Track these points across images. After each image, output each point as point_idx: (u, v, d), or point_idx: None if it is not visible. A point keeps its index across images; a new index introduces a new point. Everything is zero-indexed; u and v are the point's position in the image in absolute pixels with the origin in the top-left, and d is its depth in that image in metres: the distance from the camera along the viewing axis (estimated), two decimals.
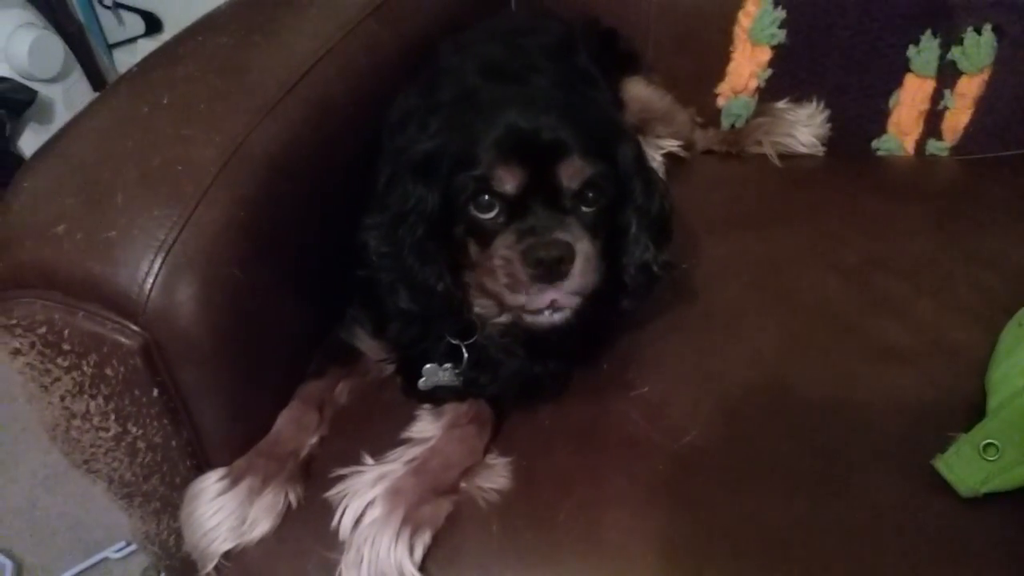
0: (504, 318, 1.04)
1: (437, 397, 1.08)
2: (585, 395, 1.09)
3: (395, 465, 0.98)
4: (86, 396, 0.94)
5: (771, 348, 1.13)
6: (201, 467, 1.01)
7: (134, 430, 0.97)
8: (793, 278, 1.24)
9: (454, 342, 1.07)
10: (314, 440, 1.05)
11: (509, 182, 0.93)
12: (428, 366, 1.08)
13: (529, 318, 0.96)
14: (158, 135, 0.99)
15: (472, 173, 0.94)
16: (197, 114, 1.02)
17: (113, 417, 0.96)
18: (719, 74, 1.62)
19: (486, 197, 0.94)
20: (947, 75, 1.49)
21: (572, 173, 0.94)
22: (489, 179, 0.94)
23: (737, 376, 1.09)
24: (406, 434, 1.03)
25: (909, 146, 1.56)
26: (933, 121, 1.53)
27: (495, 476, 0.99)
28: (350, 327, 1.15)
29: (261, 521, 0.96)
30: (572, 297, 0.93)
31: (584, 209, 0.96)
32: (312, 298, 1.12)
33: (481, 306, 1.04)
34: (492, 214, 0.95)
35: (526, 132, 0.95)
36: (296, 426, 1.05)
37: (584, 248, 0.92)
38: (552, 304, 0.94)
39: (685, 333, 1.16)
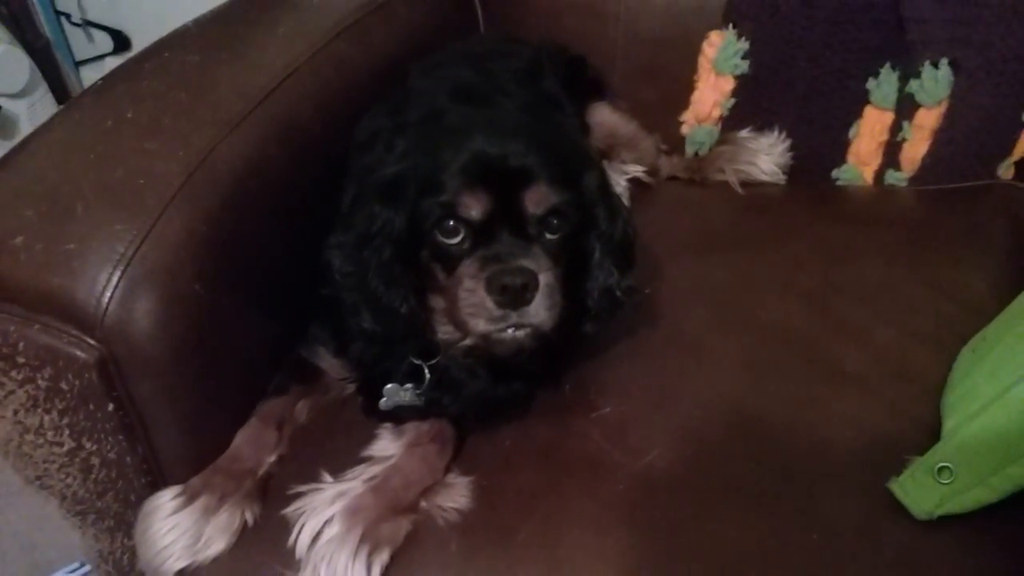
0: (468, 341, 1.03)
1: (398, 416, 1.07)
2: (547, 416, 1.09)
3: (354, 483, 0.97)
4: (40, 410, 0.93)
5: (732, 371, 1.14)
6: (156, 484, 0.99)
7: (88, 445, 0.95)
8: (754, 303, 1.25)
9: (416, 362, 1.07)
10: (272, 458, 1.04)
11: (475, 208, 0.94)
12: (389, 386, 1.08)
13: (494, 336, 0.95)
14: (121, 148, 0.98)
15: (438, 199, 0.94)
16: (161, 128, 1.01)
17: (67, 432, 0.94)
18: (684, 103, 1.65)
19: (451, 223, 0.94)
20: (906, 107, 1.52)
21: (537, 200, 0.94)
22: (455, 205, 0.94)
23: (698, 398, 1.10)
24: (366, 452, 1.03)
25: (868, 176, 1.58)
26: (892, 152, 1.56)
27: (455, 495, 0.98)
28: (312, 345, 1.14)
29: (216, 539, 0.95)
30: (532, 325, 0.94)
31: (548, 236, 0.96)
32: (274, 315, 1.11)
33: (444, 331, 1.04)
34: (457, 240, 0.95)
35: (492, 158, 0.95)
36: (254, 444, 1.03)
37: (547, 279, 0.93)
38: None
39: (647, 356, 1.17)
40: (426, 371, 1.06)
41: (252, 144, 1.06)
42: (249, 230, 1.04)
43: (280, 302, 1.12)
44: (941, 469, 0.92)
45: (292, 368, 1.13)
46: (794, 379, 1.12)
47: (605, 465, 1.01)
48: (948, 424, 0.99)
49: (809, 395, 1.10)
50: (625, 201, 1.23)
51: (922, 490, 0.93)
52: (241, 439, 1.04)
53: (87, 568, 1.63)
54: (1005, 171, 1.54)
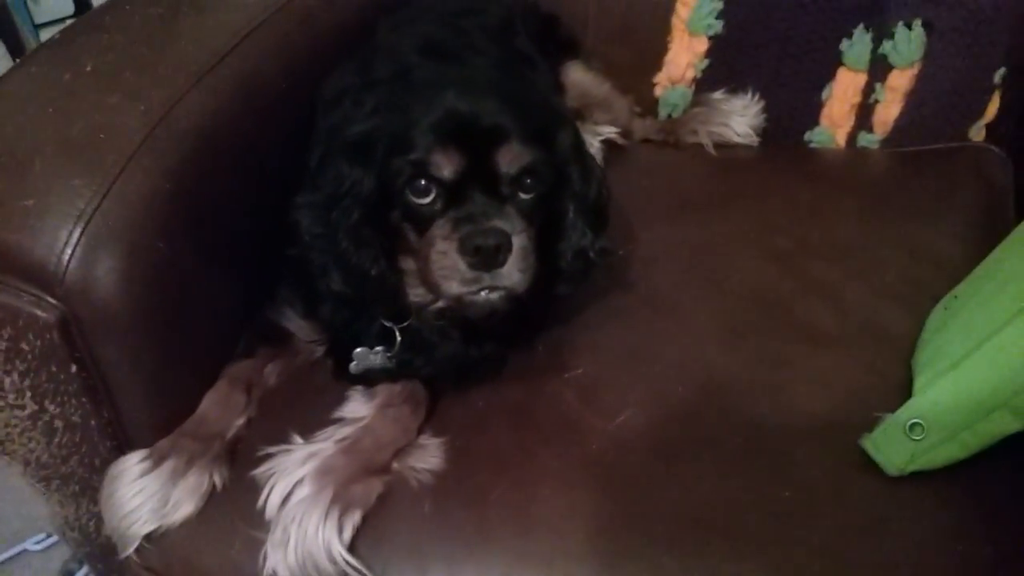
0: (440, 303, 1.02)
1: (369, 378, 1.06)
2: (520, 377, 1.08)
3: (325, 444, 0.96)
4: (0, 372, 0.90)
5: (705, 332, 1.14)
6: (122, 448, 0.97)
7: (51, 408, 0.93)
8: (726, 264, 1.25)
9: (387, 325, 1.05)
10: (241, 421, 1.02)
11: (446, 167, 0.92)
12: (359, 350, 1.06)
13: (467, 298, 0.94)
14: (80, 102, 0.95)
15: (409, 157, 0.92)
16: (122, 82, 0.99)
17: (29, 395, 0.92)
18: (657, 64, 1.63)
19: (422, 182, 0.93)
20: (878, 69, 1.52)
21: (511, 159, 0.93)
22: (426, 164, 0.92)
23: (671, 359, 1.10)
24: (337, 414, 1.02)
25: (841, 138, 1.58)
26: (864, 114, 1.56)
27: (428, 456, 0.98)
28: (280, 307, 1.13)
29: (184, 503, 0.93)
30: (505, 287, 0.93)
31: (522, 196, 0.95)
32: (241, 275, 1.09)
33: (416, 293, 1.03)
34: (428, 199, 0.93)
35: (465, 116, 0.93)
36: (222, 407, 1.02)
37: (521, 240, 0.92)
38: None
39: (620, 317, 1.17)
40: (397, 334, 1.05)
41: (215, 99, 1.03)
42: (213, 187, 1.01)
43: (247, 262, 1.10)
44: (913, 426, 0.93)
45: (260, 330, 1.12)
46: (766, 339, 1.13)
47: (578, 425, 1.01)
48: (920, 381, 0.99)
49: (781, 354, 1.10)
50: (599, 162, 1.21)
51: (894, 446, 0.94)
52: (208, 402, 1.02)
53: (54, 539, 1.62)
54: (976, 133, 1.55)
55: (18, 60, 1.09)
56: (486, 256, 0.90)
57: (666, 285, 1.21)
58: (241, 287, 1.10)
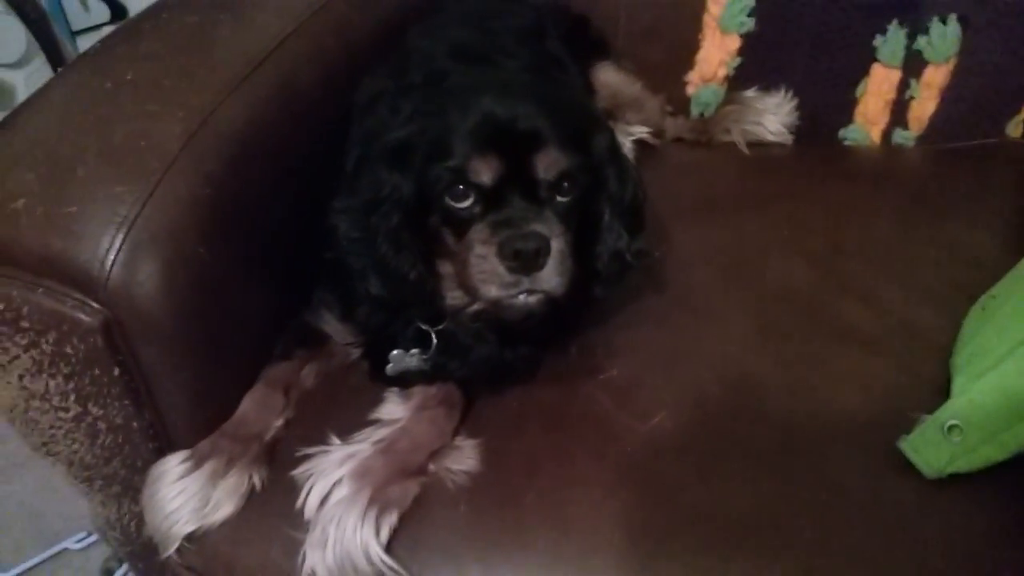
0: (476, 306, 1.03)
1: (405, 381, 1.07)
2: (554, 379, 1.08)
3: (363, 445, 0.97)
4: (45, 375, 0.92)
5: (739, 333, 1.13)
6: (163, 449, 0.99)
7: (95, 410, 0.95)
8: (761, 264, 1.24)
9: (423, 327, 1.06)
10: (279, 422, 1.04)
11: (485, 173, 0.93)
12: (395, 352, 1.07)
13: (506, 301, 0.95)
14: (121, 110, 0.97)
15: (447, 164, 0.93)
16: (161, 90, 1.00)
17: (73, 397, 0.94)
18: (689, 62, 1.62)
19: (461, 187, 0.93)
20: (913, 65, 1.51)
21: (548, 164, 0.94)
22: (465, 170, 0.93)
23: (705, 361, 1.09)
24: (374, 416, 1.02)
25: (876, 136, 1.57)
26: (899, 111, 1.54)
27: (463, 458, 0.98)
28: (317, 310, 1.14)
29: (224, 503, 0.95)
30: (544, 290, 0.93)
31: (559, 199, 0.95)
32: (278, 279, 1.11)
33: (453, 296, 1.03)
34: (467, 204, 0.94)
35: (502, 122, 0.94)
36: (261, 408, 1.03)
37: (559, 244, 0.92)
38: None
39: (654, 319, 1.16)
40: (433, 336, 1.06)
41: (253, 106, 1.05)
42: (252, 192, 1.03)
43: (284, 266, 1.12)
44: (951, 427, 0.92)
45: (297, 333, 1.13)
46: (801, 340, 1.12)
47: (612, 427, 1.01)
48: (958, 382, 0.98)
49: (817, 355, 1.09)
50: (632, 162, 1.21)
51: (932, 448, 0.93)
52: (248, 403, 1.04)
53: (94, 538, 1.65)
54: (1014, 129, 1.53)
55: (59, 69, 1.11)
56: (525, 260, 0.90)
57: (700, 286, 1.21)
58: (279, 290, 1.12)
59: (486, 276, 0.92)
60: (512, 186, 0.93)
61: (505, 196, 0.93)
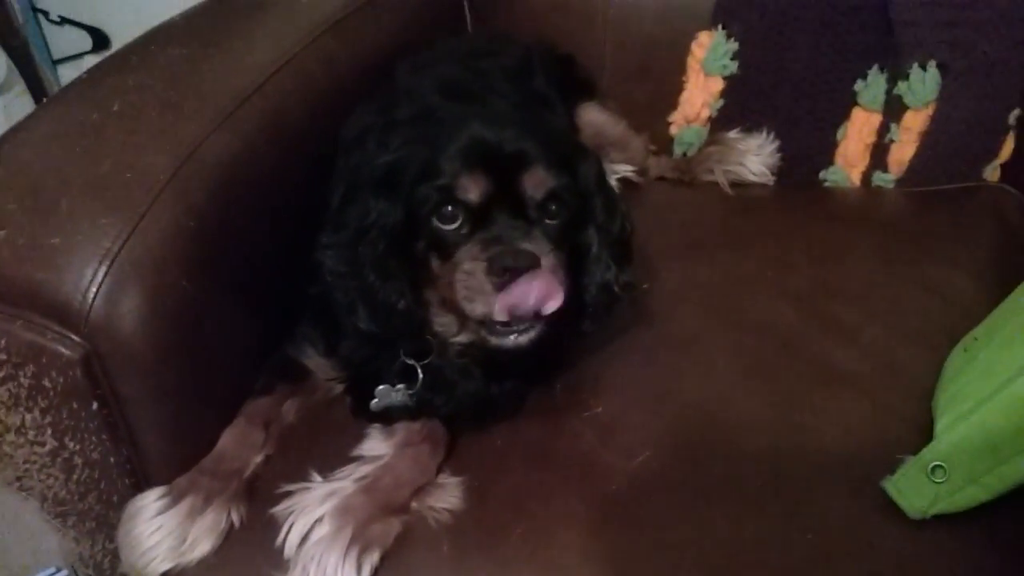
0: (463, 337, 1.03)
1: (389, 416, 1.06)
2: (539, 415, 1.08)
3: (345, 482, 0.96)
4: (22, 409, 0.91)
5: (724, 371, 1.14)
6: (140, 485, 0.98)
7: (71, 445, 0.94)
8: (745, 303, 1.25)
9: (409, 362, 1.06)
10: (259, 458, 1.02)
11: (473, 190, 0.93)
12: (381, 387, 1.06)
13: (494, 340, 0.95)
14: (107, 142, 0.97)
15: (435, 183, 0.94)
16: (148, 122, 1.00)
17: (50, 431, 0.93)
18: (672, 103, 1.65)
19: (449, 208, 0.94)
20: (893, 109, 1.53)
21: (536, 183, 0.95)
22: (453, 188, 0.93)
23: (690, 398, 1.10)
24: (356, 452, 1.02)
25: (856, 177, 1.59)
26: (879, 154, 1.57)
27: (447, 496, 0.97)
28: (299, 344, 1.13)
29: (202, 541, 0.93)
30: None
31: (548, 221, 0.96)
32: (261, 313, 1.10)
33: (441, 324, 1.03)
34: (455, 225, 0.94)
35: (489, 142, 0.95)
36: (241, 444, 1.02)
37: (549, 262, 0.92)
38: (518, 325, 0.94)
39: (639, 355, 1.17)
40: (419, 371, 1.05)
41: (240, 139, 1.05)
42: (237, 226, 1.03)
43: (267, 300, 1.11)
44: (935, 468, 0.92)
45: (279, 367, 1.12)
46: (785, 379, 1.12)
47: (597, 465, 1.01)
48: (941, 423, 0.98)
49: (801, 395, 1.10)
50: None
51: (916, 489, 0.93)
52: (227, 439, 1.02)
53: (64, 573, 1.61)
54: (991, 173, 1.55)
55: (44, 100, 1.11)
56: (516, 276, 0.90)
57: (685, 323, 1.22)
58: (261, 324, 1.11)
59: (475, 294, 0.92)
60: (501, 206, 0.94)
61: (493, 216, 0.94)
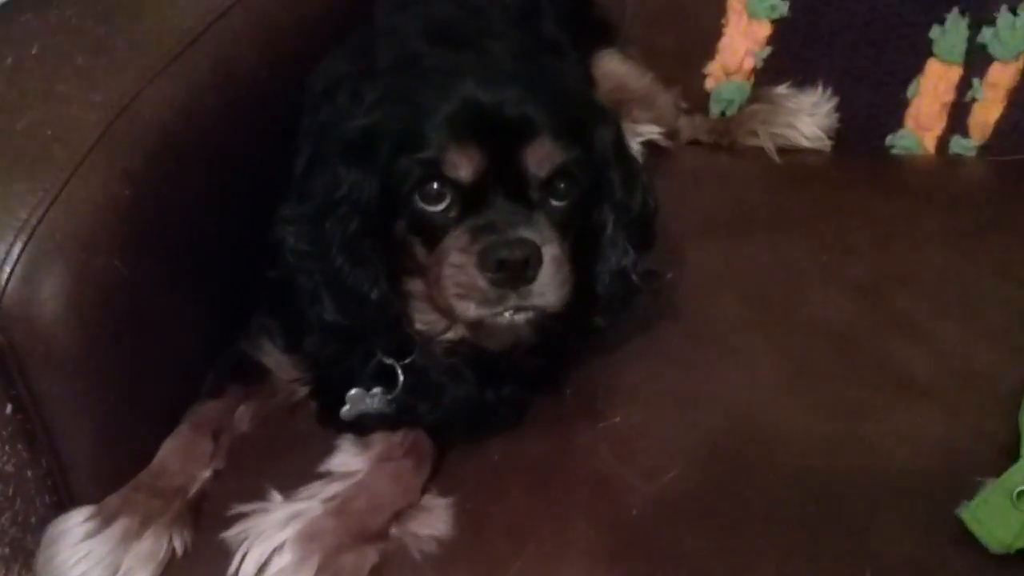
0: (451, 334, 1.04)
1: (363, 425, 1.07)
2: (544, 426, 1.08)
3: (310, 503, 0.96)
4: None
5: (767, 375, 1.14)
6: (64, 504, 0.98)
7: None
8: (794, 294, 1.25)
9: (387, 361, 1.06)
10: (207, 474, 1.03)
11: (464, 167, 0.93)
12: (353, 392, 1.07)
13: (488, 321, 0.95)
14: (24, 92, 0.97)
15: (419, 156, 0.93)
16: (74, 68, 1.00)
17: None
18: (709, 52, 1.65)
19: (435, 186, 0.94)
20: (976, 62, 1.53)
21: (541, 158, 0.94)
22: (439, 163, 0.93)
23: (727, 407, 1.10)
24: (324, 467, 1.02)
25: (929, 144, 1.59)
26: (959, 115, 1.57)
27: (434, 521, 0.98)
28: (256, 338, 1.14)
29: (138, 571, 0.93)
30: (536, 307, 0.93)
31: (553, 203, 0.96)
32: (210, 300, 1.11)
33: (424, 320, 1.03)
34: (442, 206, 0.94)
35: (486, 107, 0.94)
36: (184, 456, 1.02)
37: (553, 251, 0.92)
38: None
39: (666, 356, 1.17)
40: (399, 372, 1.06)
41: (184, 90, 1.05)
42: (180, 195, 1.02)
43: (218, 285, 1.11)
44: (1020, 494, 0.92)
45: (232, 366, 1.13)
46: (841, 385, 1.13)
47: (614, 486, 1.01)
48: None
49: (859, 405, 1.10)
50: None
51: (998, 518, 0.93)
52: (168, 450, 1.03)
53: None
54: None
55: None
56: (512, 271, 0.90)
57: (721, 318, 1.22)
58: (210, 314, 1.11)
59: (464, 291, 0.92)
60: (497, 186, 0.94)
61: (488, 197, 0.93)
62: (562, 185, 0.96)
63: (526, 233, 0.91)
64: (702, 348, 1.18)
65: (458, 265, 0.92)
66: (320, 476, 1.01)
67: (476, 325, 0.96)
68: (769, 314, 1.22)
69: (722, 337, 1.19)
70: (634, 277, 1.05)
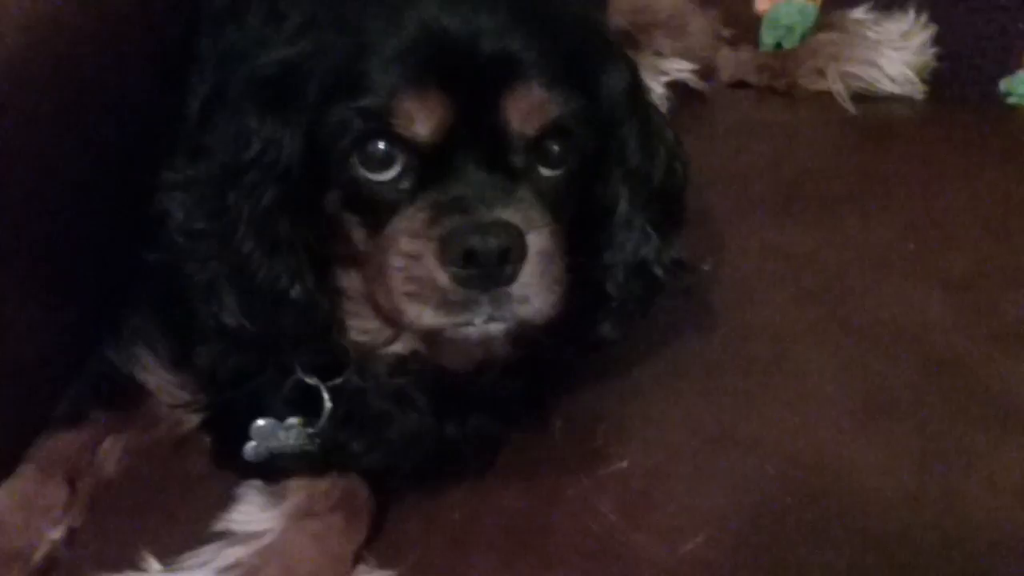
0: (399, 346, 1.04)
1: (275, 469, 1.07)
2: (524, 473, 1.09)
3: (201, 574, 0.97)
4: None
5: (831, 404, 1.15)
6: None
7: None
8: (869, 292, 1.27)
9: (309, 381, 1.06)
10: (57, 533, 1.03)
11: (422, 122, 0.92)
12: (260, 423, 1.07)
13: (450, 334, 0.94)
14: None
15: (360, 104, 0.92)
16: None
17: None
18: None
19: (381, 145, 0.93)
20: None
21: (528, 110, 0.93)
22: (388, 115, 0.92)
23: (775, 448, 1.11)
24: (221, 526, 1.02)
25: None
26: None
27: None
28: (130, 347, 1.14)
29: None
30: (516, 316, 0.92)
31: (544, 172, 0.96)
32: (66, 296, 1.11)
33: (361, 328, 1.04)
34: (391, 174, 0.94)
35: (454, 38, 0.94)
36: (27, 507, 1.03)
37: (542, 240, 0.92)
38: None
39: (694, 376, 1.19)
40: (325, 396, 1.06)
41: (33, 2, 1.04)
42: (25, 147, 1.02)
43: (78, 275, 1.12)
44: None
45: (95, 384, 1.13)
46: (931, 417, 1.14)
47: (620, 555, 1.02)
48: None
49: (958, 445, 1.11)
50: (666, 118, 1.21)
51: None
52: (5, 500, 1.03)
53: None
54: None
55: None
56: (485, 266, 0.89)
57: (770, 326, 1.23)
58: (67, 315, 1.12)
59: (418, 291, 0.91)
60: (466, 147, 0.93)
61: (454, 163, 0.93)
62: (556, 147, 0.96)
63: (505, 214, 0.91)
64: (742, 367, 1.19)
65: (411, 255, 0.91)
66: (215, 538, 1.01)
67: (433, 337, 0.96)
68: (833, 320, 1.24)
69: (771, 352, 1.21)
70: (656, 271, 1.05)
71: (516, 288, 0.91)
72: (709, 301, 1.24)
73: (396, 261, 0.92)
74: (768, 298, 1.27)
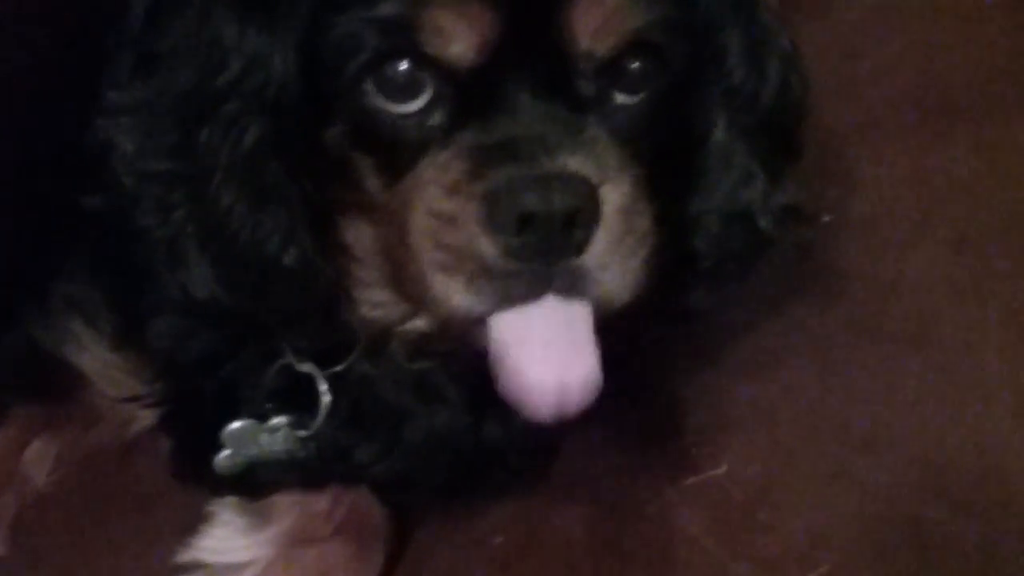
0: (420, 322, 1.03)
1: (257, 482, 1.09)
2: (589, 485, 1.11)
3: None
4: None
5: (994, 390, 1.16)
6: None
7: None
8: None
9: (301, 369, 1.07)
10: None
11: (460, 38, 0.90)
12: (236, 425, 1.08)
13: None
14: None
15: (375, 12, 0.90)
16: None
17: None
18: None
19: (405, 67, 0.92)
20: None
21: (600, 21, 0.91)
22: (414, 29, 0.90)
23: (918, 449, 1.11)
24: (188, 556, 1.03)
25: None
26: None
27: None
28: (60, 322, 1.16)
29: None
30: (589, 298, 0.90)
31: (620, 100, 0.95)
32: None
33: (373, 303, 1.04)
34: (417, 105, 0.92)
35: None
36: None
37: (621, 193, 0.90)
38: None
39: (809, 356, 1.20)
40: (323, 387, 1.07)
41: None
42: None
43: None
44: None
45: (17, 370, 1.15)
46: None
47: None
48: None
49: None
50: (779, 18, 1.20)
51: None
52: None
53: None
54: None
55: None
56: (547, 233, 0.87)
57: (910, 287, 1.24)
58: None
59: (453, 264, 0.89)
60: (518, 71, 0.91)
61: (502, 92, 0.91)
62: (637, 66, 0.95)
63: (572, 162, 0.88)
64: (876, 345, 1.20)
65: (444, 216, 0.90)
66: (178, 572, 1.03)
67: (468, 324, 0.92)
68: (999, 278, 1.24)
69: (914, 325, 1.21)
70: (761, 220, 1.05)
71: (588, 259, 0.87)
72: (832, 262, 1.24)
73: (422, 221, 0.90)
74: (908, 251, 1.26)
